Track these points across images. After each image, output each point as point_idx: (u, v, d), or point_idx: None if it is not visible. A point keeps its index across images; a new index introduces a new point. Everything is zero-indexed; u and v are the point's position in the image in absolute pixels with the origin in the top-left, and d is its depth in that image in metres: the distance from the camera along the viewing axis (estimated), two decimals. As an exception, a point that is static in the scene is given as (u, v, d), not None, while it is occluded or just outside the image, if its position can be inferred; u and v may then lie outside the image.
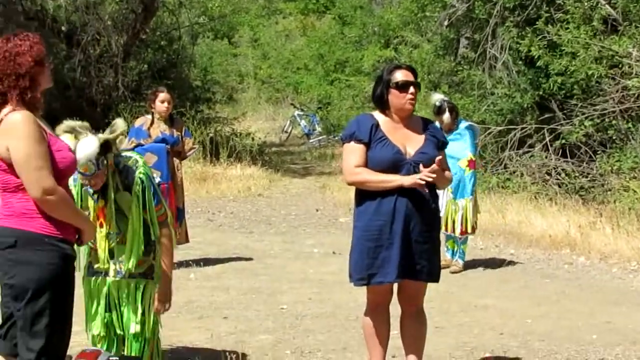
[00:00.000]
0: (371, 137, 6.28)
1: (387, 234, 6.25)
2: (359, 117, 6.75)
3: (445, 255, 11.05)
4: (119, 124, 6.25)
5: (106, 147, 6.09)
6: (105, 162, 6.14)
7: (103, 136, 6.06)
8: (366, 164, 6.29)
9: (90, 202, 6.42)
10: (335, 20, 33.33)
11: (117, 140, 6.28)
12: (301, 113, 30.42)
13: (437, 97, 11.56)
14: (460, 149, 11.10)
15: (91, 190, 6.40)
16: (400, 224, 6.22)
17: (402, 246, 6.21)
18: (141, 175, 6.38)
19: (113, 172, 6.35)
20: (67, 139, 5.73)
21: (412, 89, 6.29)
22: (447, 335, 8.17)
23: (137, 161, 6.36)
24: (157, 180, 6.86)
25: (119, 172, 6.35)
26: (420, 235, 6.26)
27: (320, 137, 28.73)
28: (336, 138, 27.05)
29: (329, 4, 38.06)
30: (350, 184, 6.59)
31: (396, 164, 6.21)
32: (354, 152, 6.33)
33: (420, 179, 6.07)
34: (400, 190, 6.18)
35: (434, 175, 6.06)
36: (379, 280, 6.31)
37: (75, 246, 5.16)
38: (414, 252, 6.25)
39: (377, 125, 6.32)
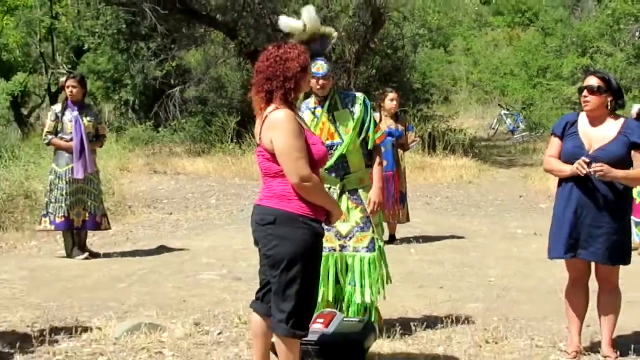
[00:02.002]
0: (564, 132, 6.32)
1: (562, 215, 6.25)
2: (564, 115, 6.84)
3: (635, 239, 10.72)
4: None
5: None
6: (331, 68, 6.46)
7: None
8: (560, 156, 6.30)
9: (310, 118, 6.63)
10: (538, 32, 32.86)
11: None
12: (507, 112, 30.03)
13: (636, 107, 11.20)
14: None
15: (312, 107, 6.63)
16: (572, 209, 6.18)
17: (575, 228, 6.18)
18: (359, 96, 6.67)
19: (334, 91, 6.57)
20: None
21: (585, 92, 6.21)
22: (638, 310, 7.96)
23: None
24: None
25: (339, 93, 6.58)
26: (594, 220, 6.14)
27: (524, 134, 28.30)
28: (538, 135, 26.67)
29: (533, 17, 37.52)
30: (545, 171, 6.72)
31: (576, 157, 6.13)
32: (551, 145, 6.42)
33: (577, 168, 6.02)
34: (578, 180, 6.13)
35: (599, 169, 5.95)
36: (554, 256, 6.36)
37: None
38: (588, 235, 6.16)
39: (574, 123, 6.30)
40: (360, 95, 6.72)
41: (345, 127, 6.59)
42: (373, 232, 6.65)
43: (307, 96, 6.70)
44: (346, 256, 6.62)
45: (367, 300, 6.58)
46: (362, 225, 6.61)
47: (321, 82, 6.56)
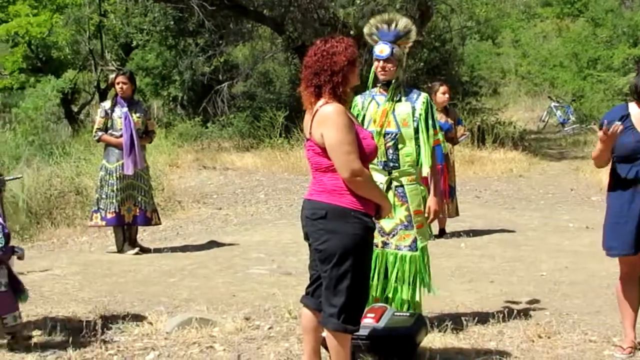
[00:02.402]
0: None
1: (625, 211, 6.12)
2: (615, 107, 6.67)
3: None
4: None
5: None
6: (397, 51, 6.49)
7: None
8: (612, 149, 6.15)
9: (374, 107, 6.64)
10: (588, 23, 32.44)
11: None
12: (557, 104, 29.76)
13: None
14: None
15: (375, 94, 6.67)
16: (638, 204, 6.07)
17: (638, 224, 6.07)
18: (426, 96, 6.66)
19: (400, 83, 6.54)
20: None
21: None
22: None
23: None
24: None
25: (405, 87, 6.57)
26: None
27: (574, 126, 28.03)
28: (589, 127, 26.41)
29: (583, 8, 37.05)
30: (595, 164, 6.53)
31: (636, 151, 6.03)
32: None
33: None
34: None
35: None
36: (617, 253, 6.25)
37: None
38: None
39: (627, 116, 6.16)
40: (425, 95, 6.69)
41: (403, 119, 6.55)
42: (416, 232, 6.59)
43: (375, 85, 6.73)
44: (387, 253, 6.59)
45: (405, 297, 6.55)
46: (405, 223, 6.57)
47: (382, 64, 6.54)
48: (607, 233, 6.29)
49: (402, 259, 6.56)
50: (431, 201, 6.63)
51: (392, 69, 6.55)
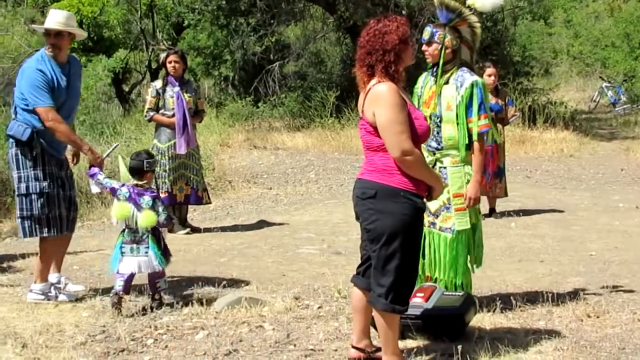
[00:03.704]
0: None
1: None
2: None
3: None
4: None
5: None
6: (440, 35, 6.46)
7: None
8: None
9: (427, 88, 6.63)
10: (640, 3, 32.11)
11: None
12: (608, 85, 29.47)
13: None
14: None
15: (431, 74, 6.63)
16: None
17: None
18: (474, 81, 6.51)
19: (455, 66, 6.51)
20: None
21: None
22: None
23: (471, 72, 6.52)
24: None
25: (460, 69, 6.51)
26: None
27: (625, 106, 27.74)
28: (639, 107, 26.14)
29: (635, -13, 36.61)
30: None
31: None
32: None
33: None
34: None
35: None
36: None
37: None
38: None
39: None
40: (473, 79, 6.50)
41: (448, 103, 6.50)
42: (454, 214, 6.52)
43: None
44: (434, 233, 6.56)
45: (445, 278, 6.52)
46: (447, 205, 6.52)
47: (424, 47, 6.53)
48: None
49: (444, 241, 6.54)
50: (469, 188, 6.54)
51: (434, 52, 6.52)
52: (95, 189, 7.44)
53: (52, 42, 7.26)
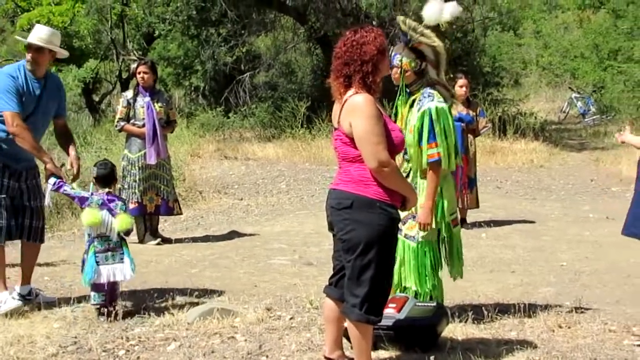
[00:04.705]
0: None
1: None
2: None
3: None
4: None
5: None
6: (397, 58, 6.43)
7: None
8: None
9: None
10: (609, 14, 32.33)
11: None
12: (578, 95, 29.66)
13: None
14: None
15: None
16: None
17: None
18: (425, 110, 6.36)
19: (420, 87, 6.48)
20: None
21: None
22: None
23: (433, 95, 6.41)
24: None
25: (426, 92, 6.46)
26: None
27: (595, 117, 27.92)
28: (609, 118, 26.31)
29: (604, -1, 36.96)
30: None
31: None
32: None
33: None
34: None
35: None
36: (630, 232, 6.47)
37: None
38: None
39: None
40: (425, 108, 6.35)
41: (409, 126, 6.46)
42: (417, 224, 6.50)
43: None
44: (399, 239, 6.55)
45: (408, 285, 6.53)
46: (414, 214, 6.50)
47: (394, 70, 6.51)
48: (630, 219, 6.33)
49: (408, 247, 6.54)
50: (419, 214, 6.41)
51: (394, 75, 6.50)
52: (47, 200, 7.41)
53: (32, 56, 7.30)
